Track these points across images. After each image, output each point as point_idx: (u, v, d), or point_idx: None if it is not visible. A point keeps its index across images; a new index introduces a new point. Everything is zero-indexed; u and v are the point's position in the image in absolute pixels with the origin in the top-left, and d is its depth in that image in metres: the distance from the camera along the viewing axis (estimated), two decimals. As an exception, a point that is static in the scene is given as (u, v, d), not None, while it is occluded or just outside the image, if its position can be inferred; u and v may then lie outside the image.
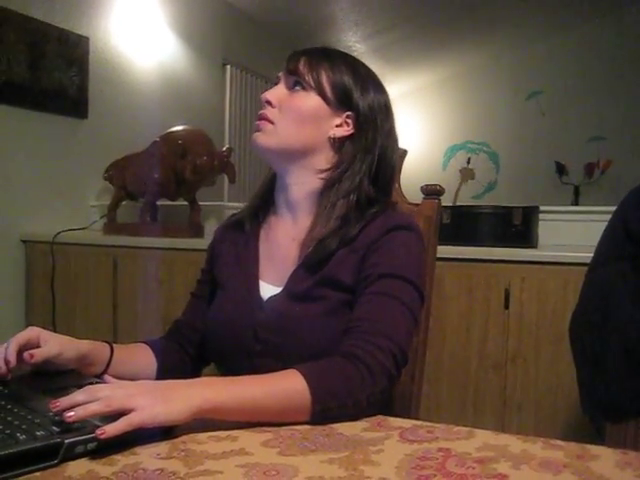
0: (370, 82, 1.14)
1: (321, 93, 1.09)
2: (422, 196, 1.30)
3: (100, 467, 0.67)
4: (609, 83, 5.43)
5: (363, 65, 1.16)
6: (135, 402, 0.74)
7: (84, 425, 0.71)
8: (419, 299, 1.03)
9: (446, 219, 2.35)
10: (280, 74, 1.13)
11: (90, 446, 0.70)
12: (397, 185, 1.29)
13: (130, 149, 3.06)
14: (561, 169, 5.56)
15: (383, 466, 0.68)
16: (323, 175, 1.10)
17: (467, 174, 6.21)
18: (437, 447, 0.73)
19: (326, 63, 1.10)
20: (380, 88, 1.15)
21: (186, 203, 2.97)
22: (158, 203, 3.02)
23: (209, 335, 1.15)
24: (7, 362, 0.91)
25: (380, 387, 0.90)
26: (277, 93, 1.10)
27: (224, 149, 2.90)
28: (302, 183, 1.11)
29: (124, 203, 3.12)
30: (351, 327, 0.97)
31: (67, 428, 0.70)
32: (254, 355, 1.05)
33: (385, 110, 1.14)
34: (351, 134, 1.11)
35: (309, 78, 1.08)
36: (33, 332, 0.97)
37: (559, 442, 0.74)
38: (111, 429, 0.70)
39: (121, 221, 3.08)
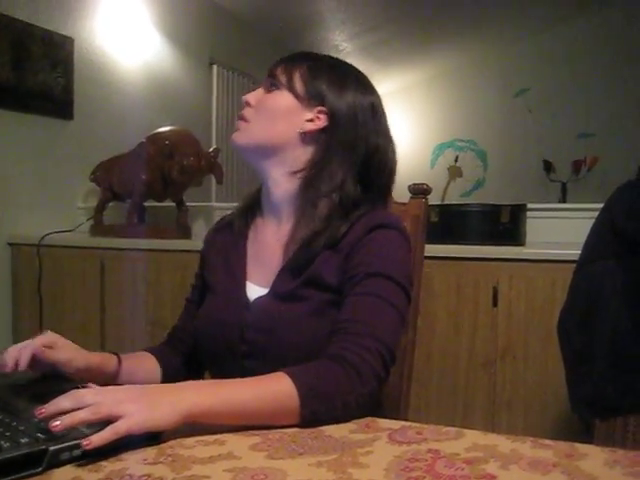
0: (352, 81, 1.13)
1: (292, 89, 1.11)
2: (409, 195, 1.30)
3: (86, 474, 0.66)
4: (596, 80, 5.46)
5: (349, 66, 1.17)
6: (123, 409, 0.73)
7: (69, 431, 0.70)
8: (405, 298, 1.03)
9: (434, 217, 2.35)
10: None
11: (75, 453, 0.69)
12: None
13: (116, 150, 3.05)
14: (548, 166, 5.58)
15: (372, 468, 0.67)
16: (299, 175, 1.10)
17: (455, 172, 6.22)
18: (426, 448, 0.73)
19: (304, 63, 1.13)
20: (366, 88, 1.15)
21: (173, 204, 2.96)
22: (145, 204, 3.00)
23: (198, 337, 1.15)
24: (17, 364, 0.94)
25: (369, 389, 0.89)
26: (255, 94, 1.14)
27: (211, 149, 2.89)
28: (280, 183, 1.12)
29: (111, 204, 3.11)
30: (338, 328, 0.96)
31: (52, 435, 0.69)
32: (241, 356, 1.06)
33: (371, 109, 1.13)
34: (323, 128, 1.10)
35: (282, 78, 1.12)
36: (51, 337, 1.00)
37: (548, 441, 0.74)
38: (97, 439, 0.69)
39: (108, 223, 3.06)
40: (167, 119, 3.19)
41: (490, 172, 6.08)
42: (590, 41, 5.49)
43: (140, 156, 2.80)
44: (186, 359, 1.20)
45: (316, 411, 0.83)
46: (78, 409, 0.72)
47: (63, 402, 0.73)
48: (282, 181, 1.11)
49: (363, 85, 1.15)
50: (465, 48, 5.85)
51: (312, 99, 1.11)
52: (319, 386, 0.85)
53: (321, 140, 1.10)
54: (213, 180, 3.19)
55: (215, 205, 3.29)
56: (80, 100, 3.27)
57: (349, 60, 1.19)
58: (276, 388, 0.83)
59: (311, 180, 1.09)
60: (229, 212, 1.25)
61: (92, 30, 3.37)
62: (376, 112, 1.14)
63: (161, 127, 2.89)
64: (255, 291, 1.10)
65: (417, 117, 6.39)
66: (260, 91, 1.15)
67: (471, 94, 6.09)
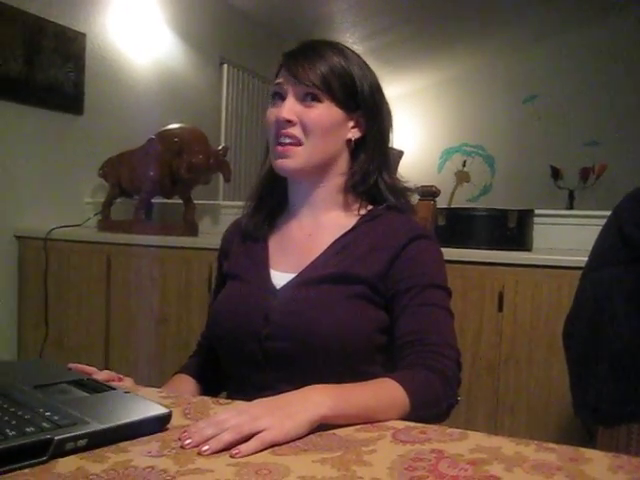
0: (365, 68, 1.13)
1: (335, 100, 1.07)
2: (417, 197, 1.30)
3: (90, 464, 0.67)
4: (605, 88, 5.44)
5: (353, 53, 1.13)
6: (264, 423, 0.74)
7: (74, 421, 0.71)
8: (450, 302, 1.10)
9: (441, 221, 2.35)
10: (282, 81, 1.08)
11: (80, 443, 0.69)
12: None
13: (125, 146, 3.05)
14: (556, 173, 5.57)
15: (375, 467, 0.67)
16: (346, 174, 1.13)
17: (462, 177, 6.21)
18: (430, 448, 0.73)
19: (325, 63, 1.06)
20: (369, 69, 1.14)
21: (181, 201, 2.96)
22: (153, 201, 3.01)
23: (216, 322, 1.15)
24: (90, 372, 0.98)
25: (456, 396, 0.98)
26: (293, 109, 1.06)
27: (220, 148, 2.90)
28: (324, 186, 1.13)
29: (119, 200, 3.12)
30: (415, 339, 1.01)
31: (57, 424, 0.70)
32: (264, 337, 1.05)
33: (380, 90, 1.14)
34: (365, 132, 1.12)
35: (321, 88, 1.05)
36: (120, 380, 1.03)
37: (552, 445, 0.73)
38: (245, 449, 0.71)
39: (115, 218, 3.07)
40: (176, 116, 3.20)
41: (498, 178, 6.08)
42: (599, 49, 5.48)
43: (149, 153, 2.81)
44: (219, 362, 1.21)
45: (421, 416, 0.87)
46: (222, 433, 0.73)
47: (206, 430, 0.73)
48: (325, 184, 1.13)
49: (368, 68, 1.14)
50: (475, 53, 5.84)
51: (350, 103, 1.09)
52: (425, 394, 0.91)
53: (365, 140, 1.12)
54: (221, 178, 3.20)
55: (223, 203, 3.30)
56: (90, 95, 3.28)
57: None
58: (392, 393, 0.88)
59: (356, 178, 1.12)
60: (236, 210, 1.25)
61: (104, 26, 3.39)
62: (382, 90, 1.15)
63: (170, 124, 2.90)
64: (280, 277, 1.11)
65: (425, 121, 6.38)
66: (294, 104, 1.06)
67: (480, 99, 6.08)
